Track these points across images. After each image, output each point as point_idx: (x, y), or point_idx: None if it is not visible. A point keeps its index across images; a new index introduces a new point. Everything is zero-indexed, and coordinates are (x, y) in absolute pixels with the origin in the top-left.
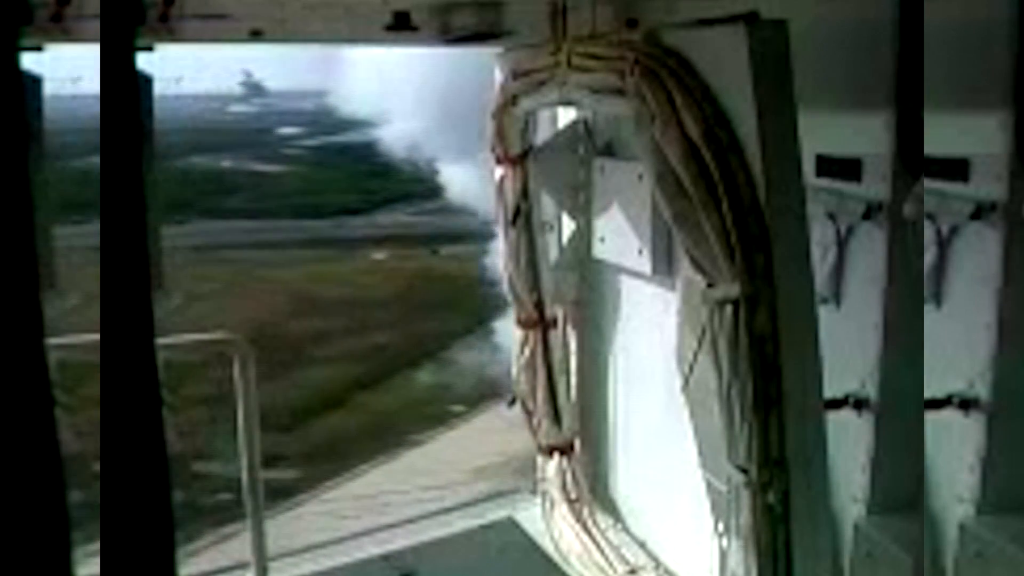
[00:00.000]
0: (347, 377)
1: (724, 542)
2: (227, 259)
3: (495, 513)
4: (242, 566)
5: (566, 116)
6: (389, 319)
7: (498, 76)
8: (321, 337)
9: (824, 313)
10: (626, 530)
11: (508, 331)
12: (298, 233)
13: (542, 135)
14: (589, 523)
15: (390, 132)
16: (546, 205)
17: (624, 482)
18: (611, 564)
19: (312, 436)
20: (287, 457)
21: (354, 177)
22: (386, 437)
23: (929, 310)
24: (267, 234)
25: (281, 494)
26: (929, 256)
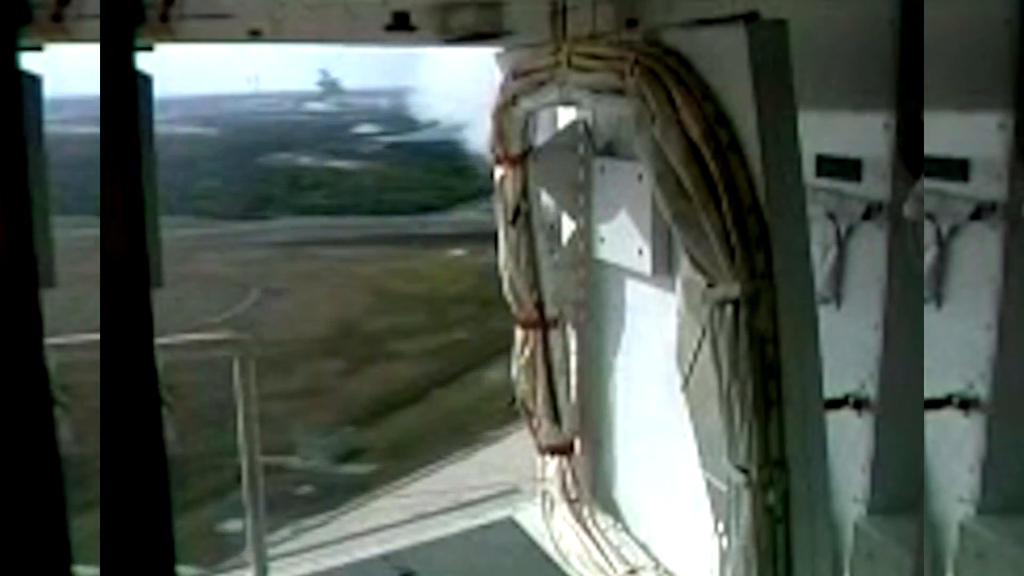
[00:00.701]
0: (424, 373)
1: (724, 542)
2: (307, 255)
3: (495, 513)
4: (242, 566)
5: (566, 116)
6: (464, 315)
7: (498, 76)
8: (399, 333)
9: (824, 313)
10: (626, 530)
11: None
12: (376, 230)
13: (542, 135)
14: (589, 523)
15: (467, 130)
16: (546, 205)
17: (624, 482)
18: (611, 564)
19: (390, 431)
20: (366, 451)
21: (431, 174)
22: (462, 433)
23: (929, 310)
24: (346, 230)
25: (360, 488)
26: (929, 256)
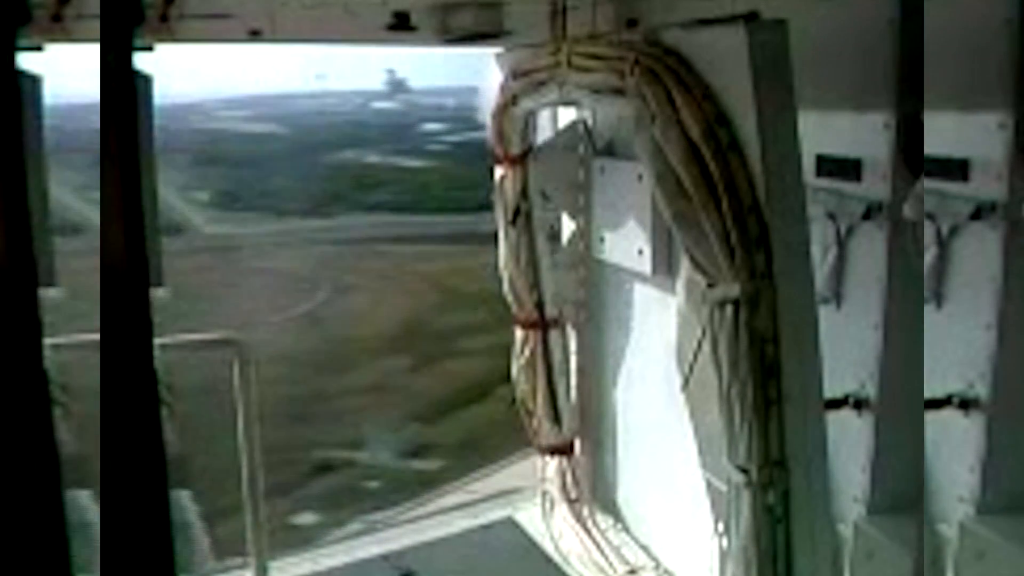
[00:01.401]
0: (489, 370)
1: (724, 542)
2: (374, 252)
3: (495, 513)
4: (241, 566)
5: (566, 116)
6: None
7: (498, 76)
8: (465, 330)
9: (824, 313)
10: (626, 530)
11: None
12: (442, 227)
13: (542, 135)
14: (589, 523)
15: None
16: (546, 205)
17: (624, 482)
18: (611, 564)
19: (456, 427)
20: (433, 448)
21: None
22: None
23: (929, 310)
24: (411, 228)
25: (428, 484)
26: (929, 256)
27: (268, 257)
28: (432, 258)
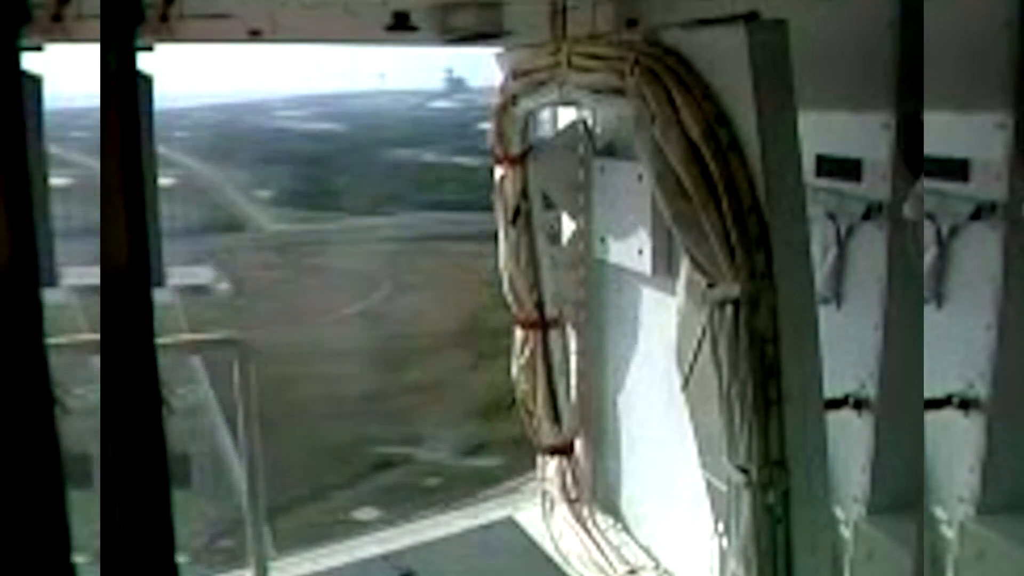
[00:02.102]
0: None
1: (724, 542)
2: (433, 250)
3: (495, 513)
4: (241, 566)
5: (566, 116)
6: None
7: (498, 76)
8: None
9: (824, 313)
10: (626, 530)
11: None
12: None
13: (542, 135)
14: (589, 523)
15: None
16: (546, 205)
17: (624, 482)
18: (611, 564)
19: (514, 425)
20: (491, 445)
21: None
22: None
23: (929, 310)
24: (470, 226)
25: (486, 482)
26: (929, 256)
27: (329, 254)
28: (490, 256)
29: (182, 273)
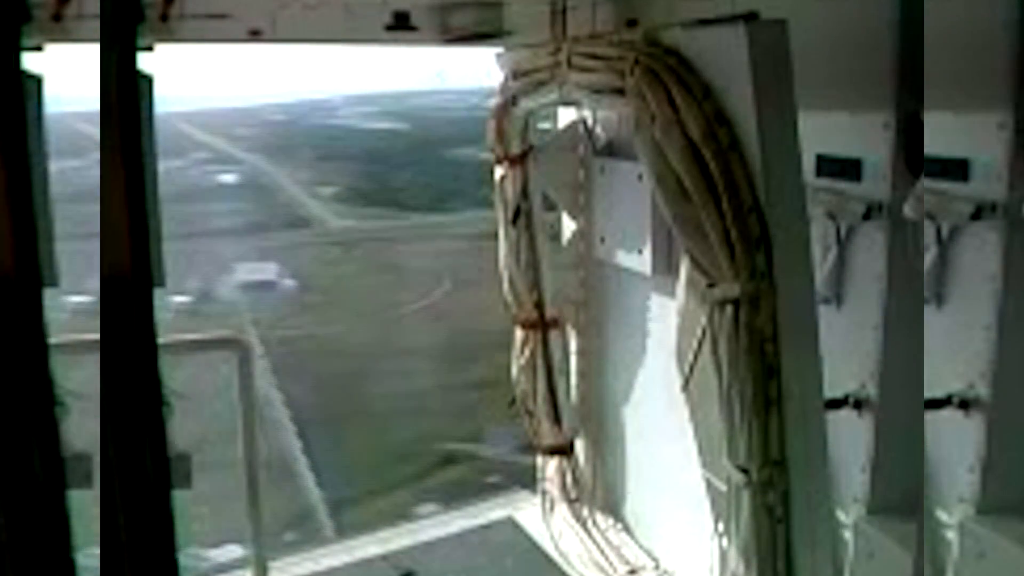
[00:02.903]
0: None
1: (724, 542)
2: (492, 247)
3: (495, 513)
4: (242, 566)
5: (566, 116)
6: None
7: (498, 76)
8: None
9: (824, 313)
10: (626, 530)
11: None
12: None
13: (542, 135)
14: (589, 523)
15: None
16: (546, 205)
17: (624, 482)
18: (611, 564)
19: None
20: None
21: None
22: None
23: (929, 310)
24: None
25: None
26: (929, 256)
27: (392, 251)
28: None
29: (247, 269)
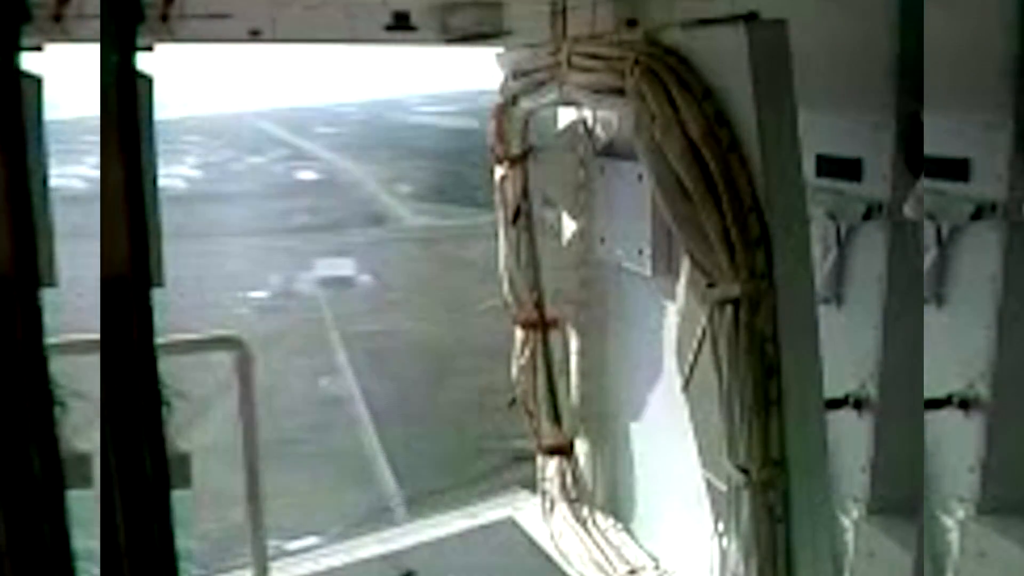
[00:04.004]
0: None
1: (724, 542)
2: None
3: (495, 513)
4: (242, 566)
5: (566, 116)
6: None
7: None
8: None
9: (824, 313)
10: (626, 530)
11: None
12: None
13: (542, 135)
14: (589, 523)
15: None
16: (546, 205)
17: (624, 482)
18: (611, 564)
19: None
20: None
21: None
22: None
23: (929, 310)
24: None
25: None
26: (929, 256)
27: (469, 248)
28: None
29: (326, 265)
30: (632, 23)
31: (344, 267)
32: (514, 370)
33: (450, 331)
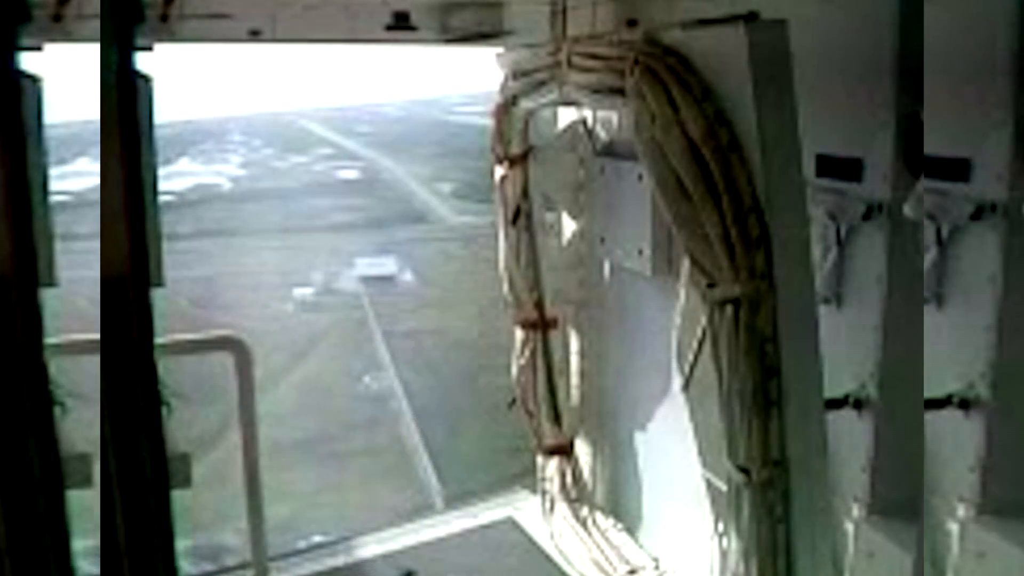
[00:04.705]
0: None
1: (724, 542)
2: None
3: (495, 513)
4: (242, 566)
5: (566, 116)
6: None
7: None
8: None
9: (824, 313)
10: (626, 530)
11: None
12: None
13: (542, 135)
14: (589, 523)
15: None
16: (546, 205)
17: (624, 482)
18: (611, 564)
19: None
20: None
21: None
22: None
23: (929, 310)
24: None
25: None
26: (929, 256)
27: None
28: None
29: (368, 264)
30: (632, 23)
31: (386, 265)
32: (514, 370)
33: (490, 329)
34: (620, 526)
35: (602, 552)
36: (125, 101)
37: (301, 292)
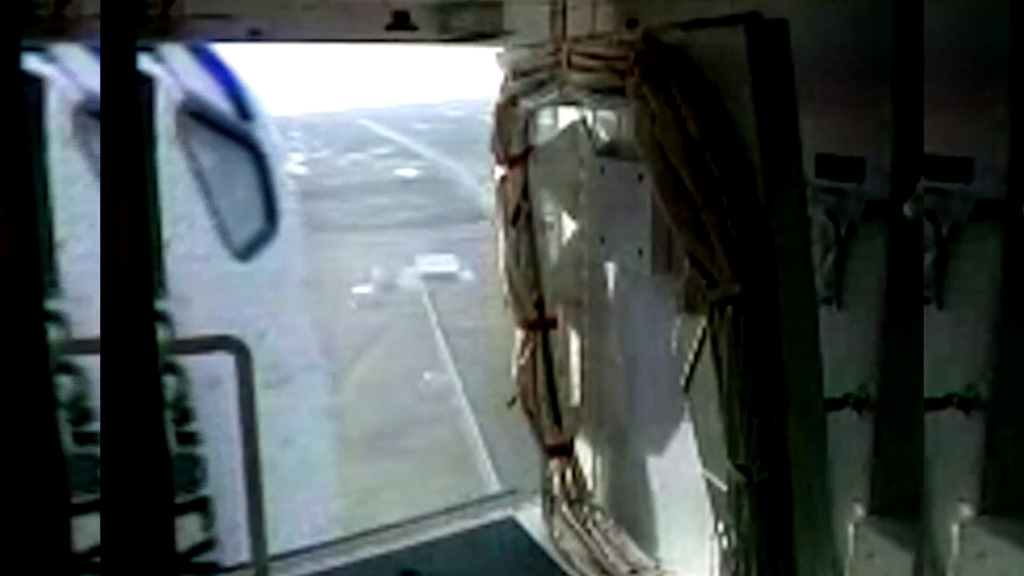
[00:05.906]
0: None
1: (724, 542)
2: None
3: (495, 513)
4: (242, 566)
5: (566, 116)
6: None
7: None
8: None
9: (824, 313)
10: (626, 530)
11: None
12: None
13: (542, 135)
14: (590, 523)
15: None
16: (546, 205)
17: (624, 482)
18: (611, 564)
19: None
20: None
21: None
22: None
23: (929, 310)
24: None
25: None
26: (929, 256)
27: None
28: None
29: (428, 261)
30: (632, 23)
31: (446, 263)
32: (514, 370)
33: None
34: (621, 526)
35: (603, 552)
36: (125, 101)
37: (362, 290)
